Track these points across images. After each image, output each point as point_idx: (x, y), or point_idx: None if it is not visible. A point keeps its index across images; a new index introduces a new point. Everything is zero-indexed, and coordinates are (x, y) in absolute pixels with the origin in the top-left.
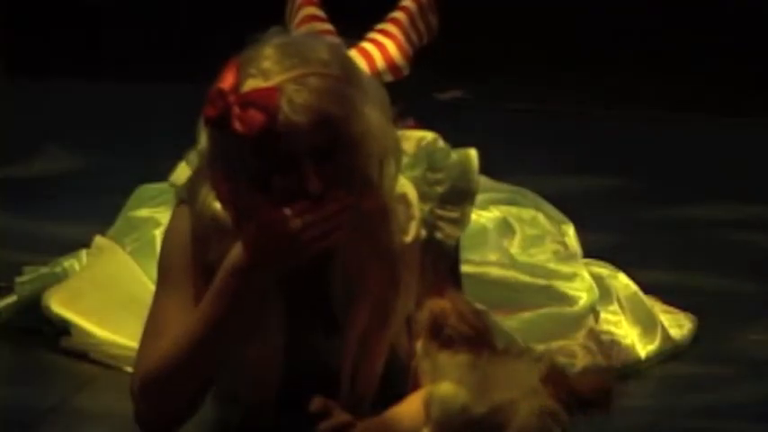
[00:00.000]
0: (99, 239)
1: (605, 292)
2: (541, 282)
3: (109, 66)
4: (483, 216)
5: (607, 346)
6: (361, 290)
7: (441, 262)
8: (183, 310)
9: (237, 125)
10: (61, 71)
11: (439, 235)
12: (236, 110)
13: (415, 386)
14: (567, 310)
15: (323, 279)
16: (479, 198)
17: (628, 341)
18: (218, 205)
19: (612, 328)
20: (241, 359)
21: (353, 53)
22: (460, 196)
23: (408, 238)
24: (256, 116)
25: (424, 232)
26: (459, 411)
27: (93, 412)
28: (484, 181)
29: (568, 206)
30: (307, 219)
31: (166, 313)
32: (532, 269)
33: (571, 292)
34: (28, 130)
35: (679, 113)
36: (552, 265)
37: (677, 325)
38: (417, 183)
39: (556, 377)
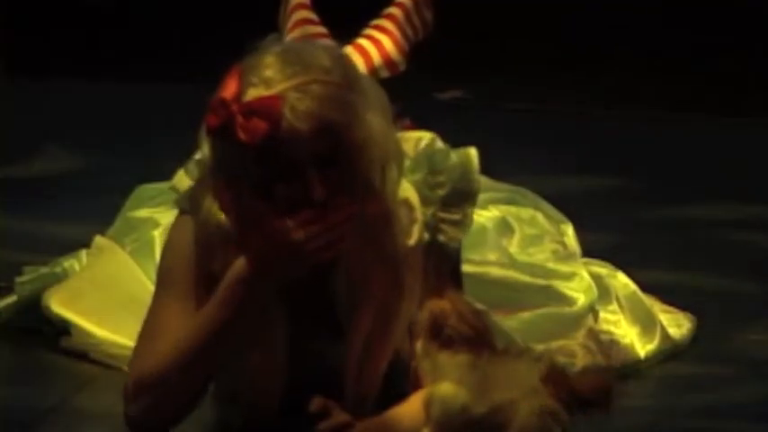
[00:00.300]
0: (99, 239)
1: (604, 292)
2: (541, 282)
3: (109, 66)
4: (482, 215)
5: (606, 345)
6: (365, 295)
7: (443, 264)
8: (182, 315)
9: (240, 134)
10: (61, 71)
11: (441, 237)
12: (239, 119)
13: (416, 386)
14: (567, 309)
15: (326, 285)
16: (479, 198)
17: (627, 341)
18: (222, 214)
19: (612, 328)
20: (244, 365)
21: (349, 49)
22: (462, 198)
23: (411, 242)
24: (259, 125)
25: (426, 235)
26: (459, 411)
27: (93, 412)
28: (483, 181)
29: (568, 206)
30: (310, 229)
31: (165, 317)
32: (532, 269)
33: (570, 293)
34: (28, 130)
35: (679, 113)
36: (551, 265)
37: (676, 324)
38: (419, 186)
39: (556, 377)
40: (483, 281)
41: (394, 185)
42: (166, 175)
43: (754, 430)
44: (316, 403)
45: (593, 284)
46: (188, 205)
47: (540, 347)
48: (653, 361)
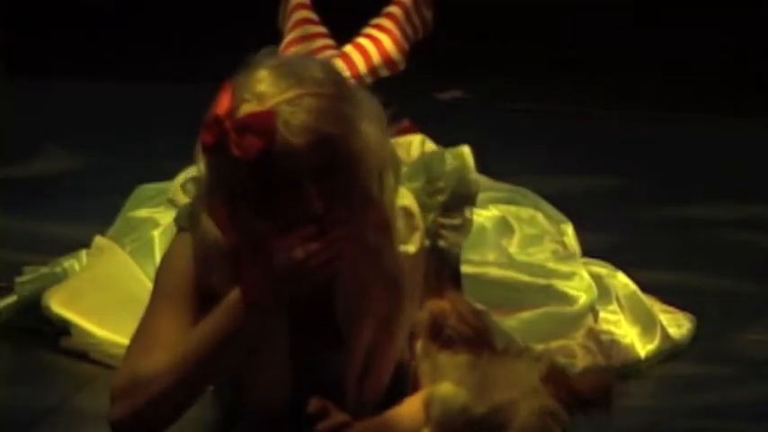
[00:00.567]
0: (99, 239)
1: (604, 292)
2: (541, 281)
3: (109, 66)
4: (482, 215)
5: (607, 345)
6: (365, 306)
7: (444, 269)
8: (176, 325)
9: (235, 151)
10: (61, 71)
11: (442, 243)
12: (233, 136)
13: (415, 386)
14: (566, 309)
15: (326, 296)
16: (479, 197)
17: (627, 341)
18: (219, 231)
19: (612, 328)
20: (247, 377)
21: (349, 48)
22: (462, 201)
23: (413, 250)
24: (253, 141)
25: (427, 241)
26: (459, 411)
27: (93, 412)
28: (483, 180)
29: (568, 206)
30: (310, 246)
31: (159, 324)
32: (531, 269)
33: (571, 292)
34: (28, 130)
35: (679, 113)
36: (551, 265)
37: (676, 324)
38: (418, 194)
39: (556, 377)
40: (482, 281)
41: (391, 193)
42: (166, 175)
43: (754, 430)
44: (314, 404)
45: (593, 284)
46: (186, 223)
47: (539, 347)
48: (653, 361)
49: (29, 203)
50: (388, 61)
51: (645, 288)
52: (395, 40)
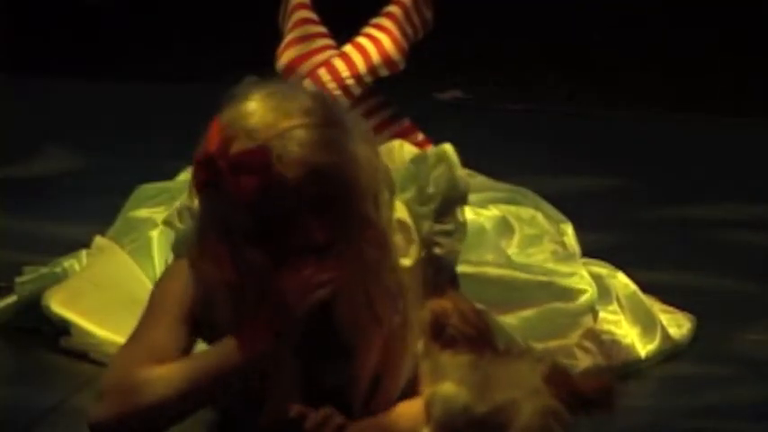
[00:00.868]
0: (99, 240)
1: (605, 292)
2: (541, 278)
3: (109, 66)
4: (482, 215)
5: (607, 345)
6: (370, 324)
7: (441, 275)
8: (171, 341)
9: (231, 189)
10: (61, 71)
11: (438, 250)
12: (228, 174)
13: (416, 386)
14: (568, 306)
15: (326, 313)
16: (479, 197)
17: (628, 341)
18: (219, 269)
19: (612, 328)
20: (254, 395)
21: (349, 48)
22: (453, 204)
23: (409, 262)
24: (249, 179)
25: (423, 251)
26: (461, 411)
27: None
28: (483, 180)
29: (568, 206)
30: (311, 280)
31: (153, 336)
32: (530, 269)
33: (574, 286)
34: (28, 130)
35: (679, 113)
36: (551, 265)
37: (676, 325)
38: (409, 204)
39: (558, 377)
40: (480, 280)
41: (388, 210)
42: (166, 175)
43: (754, 430)
44: (295, 410)
45: (593, 284)
46: (184, 251)
47: (539, 347)
48: (653, 361)
49: (29, 203)
50: (387, 61)
51: (645, 288)
52: (394, 40)
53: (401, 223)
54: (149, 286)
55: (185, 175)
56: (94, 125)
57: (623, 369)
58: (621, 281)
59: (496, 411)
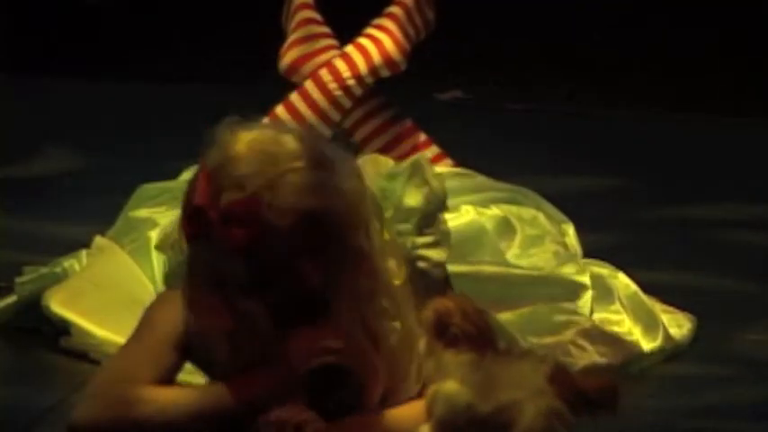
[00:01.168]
0: (99, 240)
1: (607, 292)
2: (537, 273)
3: (109, 66)
4: (485, 214)
5: (608, 342)
6: (368, 354)
7: (431, 289)
8: (161, 366)
9: (223, 242)
10: (61, 71)
11: (422, 264)
12: (219, 226)
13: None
14: (561, 305)
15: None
16: (480, 197)
17: (632, 337)
18: (213, 318)
19: (615, 328)
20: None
21: (350, 48)
22: (433, 215)
23: (399, 282)
24: (241, 231)
25: (408, 267)
26: (463, 410)
27: None
28: (485, 180)
29: (568, 206)
30: (321, 345)
31: (142, 355)
32: (527, 267)
33: (573, 278)
34: (28, 130)
35: (679, 113)
36: (552, 265)
37: (677, 325)
38: (390, 224)
39: (561, 377)
40: (476, 278)
41: (379, 239)
42: (166, 175)
43: (754, 430)
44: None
45: (590, 285)
46: (176, 284)
47: (533, 340)
48: (655, 360)
49: (29, 203)
50: (388, 62)
51: (645, 288)
52: (396, 41)
53: (389, 245)
54: (149, 286)
55: (187, 175)
56: (94, 125)
57: (625, 367)
58: (622, 281)
59: (499, 411)
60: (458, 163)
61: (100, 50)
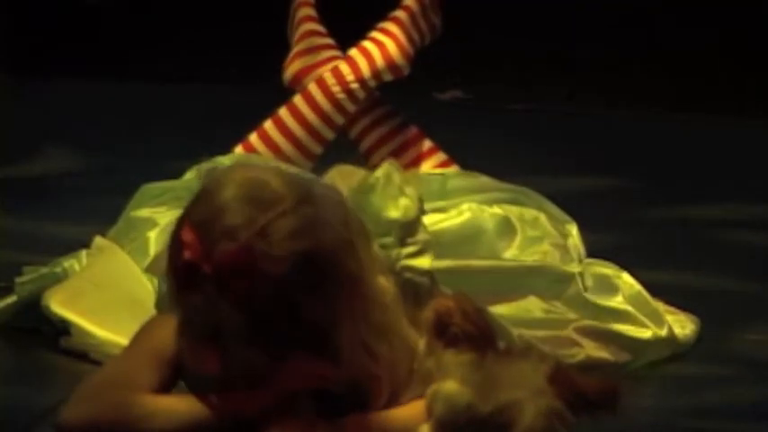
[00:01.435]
0: (99, 240)
1: (611, 288)
2: (528, 263)
3: (109, 66)
4: (484, 212)
5: (609, 336)
6: (372, 370)
7: (421, 296)
8: (155, 381)
9: (221, 295)
10: (61, 71)
11: (408, 275)
12: (215, 281)
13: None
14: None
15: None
16: (483, 197)
17: (633, 333)
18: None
19: (618, 325)
20: None
21: (354, 52)
22: (412, 224)
23: (390, 295)
24: (238, 282)
25: (394, 280)
26: (464, 409)
27: None
28: (487, 181)
29: (568, 206)
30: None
31: (138, 368)
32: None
33: (565, 269)
34: (28, 130)
35: (679, 113)
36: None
37: (680, 326)
38: (372, 238)
39: (561, 377)
40: (467, 272)
41: (367, 257)
42: (167, 174)
43: (754, 430)
44: None
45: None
46: (168, 309)
47: (529, 333)
48: (658, 357)
49: (29, 203)
50: (391, 66)
51: (645, 288)
52: (400, 45)
53: (376, 260)
54: (149, 287)
55: (190, 174)
56: (94, 125)
57: (628, 364)
58: (626, 281)
59: (500, 411)
60: (457, 163)
61: (100, 50)
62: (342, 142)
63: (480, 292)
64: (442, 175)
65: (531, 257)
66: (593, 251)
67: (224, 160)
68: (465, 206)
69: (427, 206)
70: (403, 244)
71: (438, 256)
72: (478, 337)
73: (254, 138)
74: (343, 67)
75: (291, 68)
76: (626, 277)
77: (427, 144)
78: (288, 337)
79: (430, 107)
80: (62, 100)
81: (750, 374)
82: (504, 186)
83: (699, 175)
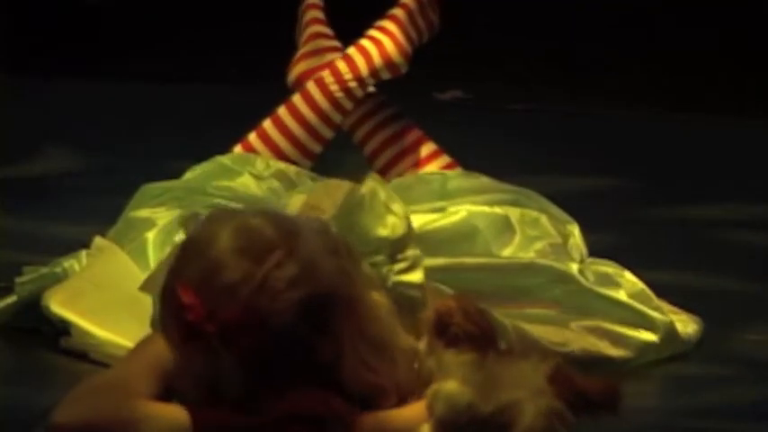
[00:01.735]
0: (98, 240)
1: (614, 285)
2: (522, 260)
3: (109, 65)
4: (483, 211)
5: (613, 337)
6: (375, 382)
7: (415, 310)
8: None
9: (226, 350)
10: (61, 71)
11: (402, 289)
12: (220, 340)
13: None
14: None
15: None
16: (484, 198)
17: (637, 334)
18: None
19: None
20: None
21: (351, 50)
22: (402, 240)
23: (384, 310)
24: (244, 339)
25: (387, 295)
26: (464, 409)
27: None
28: (488, 182)
29: (568, 206)
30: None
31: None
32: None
33: (558, 265)
34: (28, 130)
35: (679, 113)
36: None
37: (682, 325)
38: (362, 257)
39: (562, 377)
40: (461, 270)
41: (359, 278)
42: (167, 174)
43: (754, 430)
44: None
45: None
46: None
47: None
48: (661, 356)
49: (29, 203)
50: (389, 64)
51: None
52: (397, 43)
53: (368, 278)
54: None
55: (191, 174)
56: (94, 125)
57: (631, 361)
58: (629, 279)
59: (500, 411)
60: (458, 163)
61: (100, 50)
62: (342, 143)
63: (471, 289)
64: (442, 174)
65: (527, 257)
66: (594, 251)
67: (223, 160)
68: (462, 206)
69: (427, 206)
70: (393, 261)
71: (433, 255)
72: (479, 336)
73: (252, 137)
74: (342, 66)
75: (296, 70)
76: (628, 276)
77: (431, 147)
78: (291, 377)
79: (430, 107)
80: (62, 100)
81: (750, 374)
82: (505, 187)
83: (699, 175)
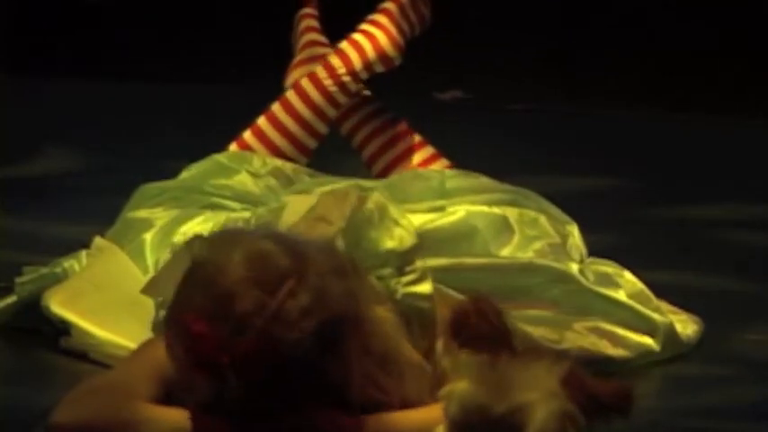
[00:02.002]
0: (98, 240)
1: (614, 285)
2: (522, 260)
3: (109, 65)
4: (482, 211)
5: (616, 338)
6: (380, 394)
7: (426, 322)
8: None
9: (240, 379)
10: (61, 71)
11: (412, 301)
12: (236, 371)
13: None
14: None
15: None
16: (483, 198)
17: (636, 336)
18: None
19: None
20: None
21: (344, 45)
22: (409, 252)
23: (387, 326)
24: (258, 370)
25: (394, 308)
26: (477, 410)
27: None
28: (488, 182)
29: (568, 206)
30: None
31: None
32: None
33: (556, 265)
34: (28, 130)
35: (679, 113)
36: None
37: (682, 326)
38: (370, 271)
39: (575, 380)
40: (461, 270)
41: (364, 294)
42: (166, 174)
43: (754, 430)
44: None
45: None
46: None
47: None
48: (662, 356)
49: (29, 203)
50: (383, 57)
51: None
52: (390, 36)
53: (373, 292)
54: None
55: (187, 173)
56: (94, 125)
57: (632, 362)
58: (629, 279)
59: (512, 412)
60: (457, 163)
61: (100, 50)
62: (342, 145)
63: (475, 290)
64: (440, 173)
65: (526, 257)
66: (593, 251)
67: (220, 158)
68: (460, 206)
69: (425, 205)
70: (401, 273)
71: (431, 255)
72: (494, 337)
73: (248, 135)
74: (335, 61)
75: (291, 77)
76: (628, 276)
77: (429, 150)
78: (301, 398)
79: (430, 107)
80: (62, 100)
81: (750, 374)
82: (505, 187)
83: (699, 175)
